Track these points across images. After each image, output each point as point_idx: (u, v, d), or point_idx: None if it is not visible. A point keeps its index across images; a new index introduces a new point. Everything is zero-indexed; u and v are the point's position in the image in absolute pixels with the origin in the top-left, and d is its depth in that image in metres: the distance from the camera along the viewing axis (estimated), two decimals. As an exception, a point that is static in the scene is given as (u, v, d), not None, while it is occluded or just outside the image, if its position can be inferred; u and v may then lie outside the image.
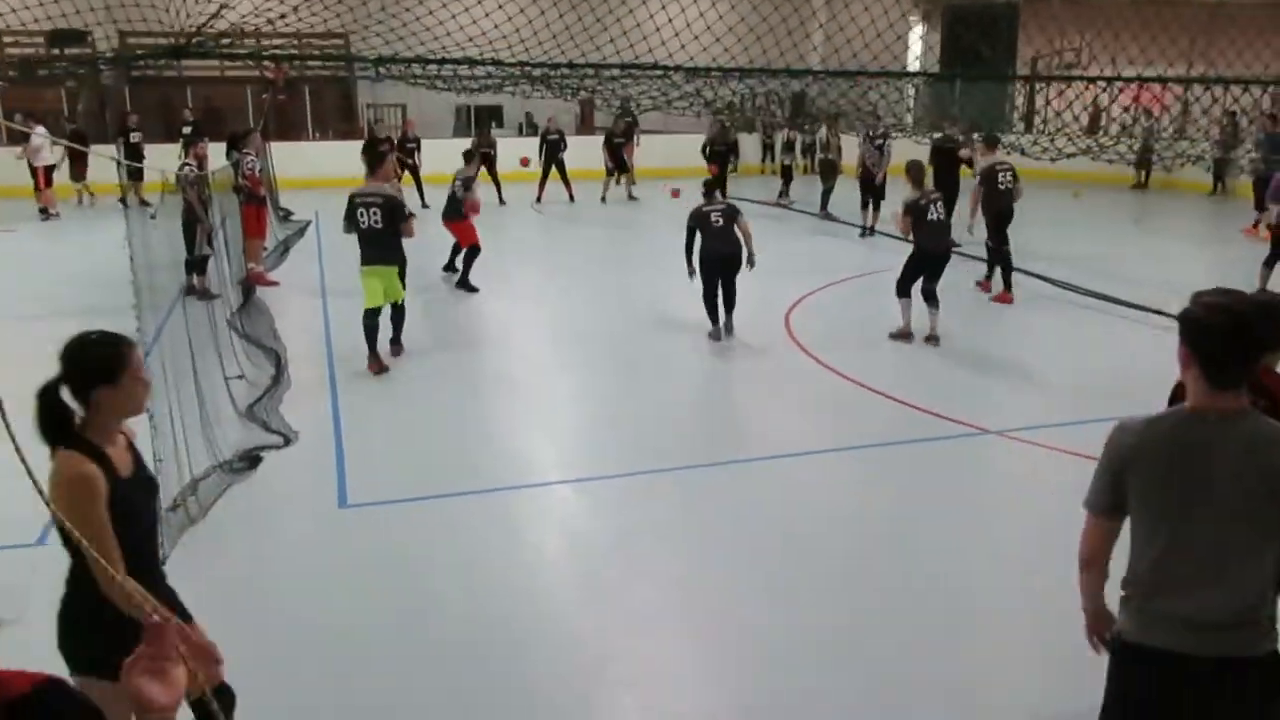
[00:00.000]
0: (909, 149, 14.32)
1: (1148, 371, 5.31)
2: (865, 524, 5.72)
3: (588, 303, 11.30)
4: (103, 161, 18.34)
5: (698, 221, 9.15)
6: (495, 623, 4.56)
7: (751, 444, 6.94)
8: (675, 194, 17.54)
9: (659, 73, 8.52)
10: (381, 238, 8.09)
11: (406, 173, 17.38)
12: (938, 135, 14.93)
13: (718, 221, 9.08)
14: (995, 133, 12.42)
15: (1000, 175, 11.16)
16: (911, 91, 27.88)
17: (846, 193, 17.25)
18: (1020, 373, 8.62)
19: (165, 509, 5.23)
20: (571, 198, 19.05)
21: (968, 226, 11.87)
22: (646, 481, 6.26)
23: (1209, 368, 2.45)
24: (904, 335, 9.29)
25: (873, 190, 15.35)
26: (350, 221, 8.15)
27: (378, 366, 8.31)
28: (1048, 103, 21.67)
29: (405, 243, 8.32)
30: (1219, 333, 2.43)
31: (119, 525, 2.64)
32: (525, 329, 10.38)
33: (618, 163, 19.53)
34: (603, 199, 19.32)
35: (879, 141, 15.14)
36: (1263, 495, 2.41)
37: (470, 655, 4.32)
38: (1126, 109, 23.12)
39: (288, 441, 6.74)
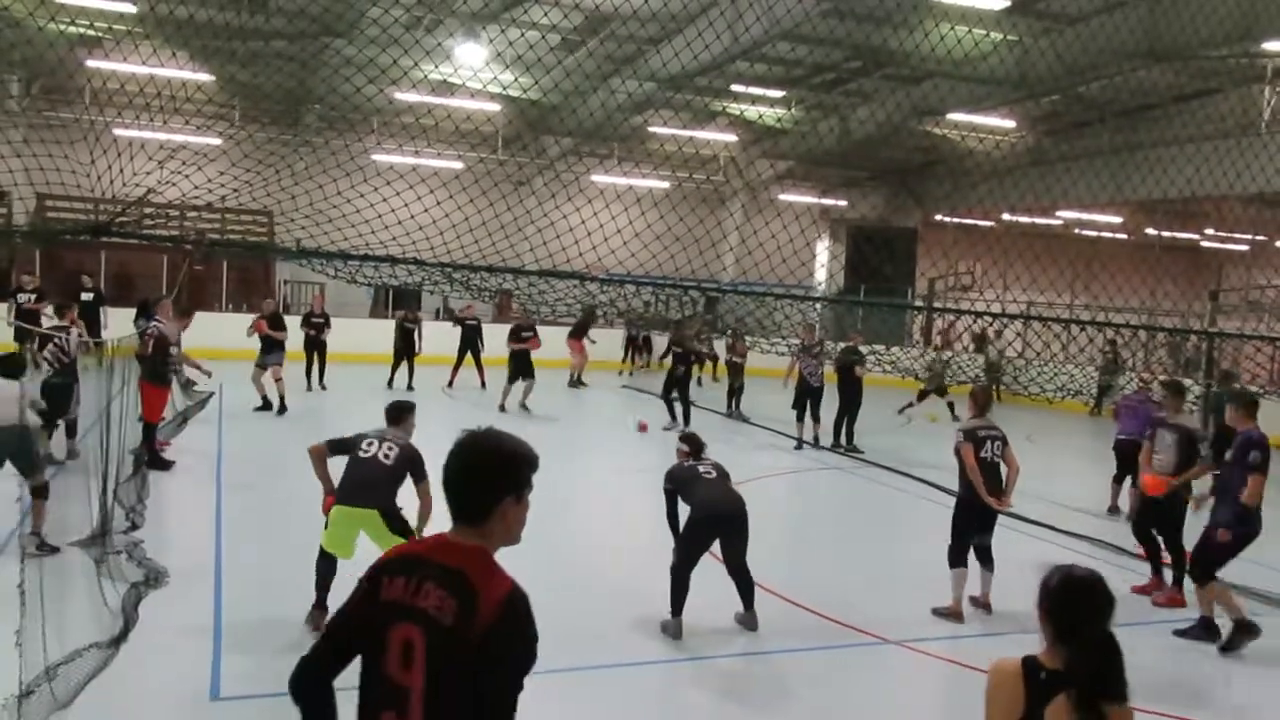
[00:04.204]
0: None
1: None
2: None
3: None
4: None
5: (680, 482, 7.06)
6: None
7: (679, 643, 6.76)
8: (643, 428, 15.84)
9: (575, 281, 8.76)
10: (380, 475, 6.51)
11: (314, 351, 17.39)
12: (841, 347, 15.60)
13: (710, 474, 7.05)
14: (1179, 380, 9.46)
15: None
16: (817, 308, 29.27)
17: (766, 396, 17.71)
18: (914, 579, 8.70)
19: (17, 695, 4.86)
20: (483, 384, 19.11)
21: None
22: (557, 679, 6.01)
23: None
24: (954, 614, 7.47)
25: (811, 398, 14.74)
26: (341, 446, 6.68)
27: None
28: (946, 322, 22.80)
29: None
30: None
31: None
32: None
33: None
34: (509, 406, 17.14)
35: (815, 350, 14.94)
36: None
37: None
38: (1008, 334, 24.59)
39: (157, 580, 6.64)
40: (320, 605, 6.46)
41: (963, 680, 6.18)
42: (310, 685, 2.54)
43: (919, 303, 27.07)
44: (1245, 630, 7.10)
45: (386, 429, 6.84)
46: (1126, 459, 10.96)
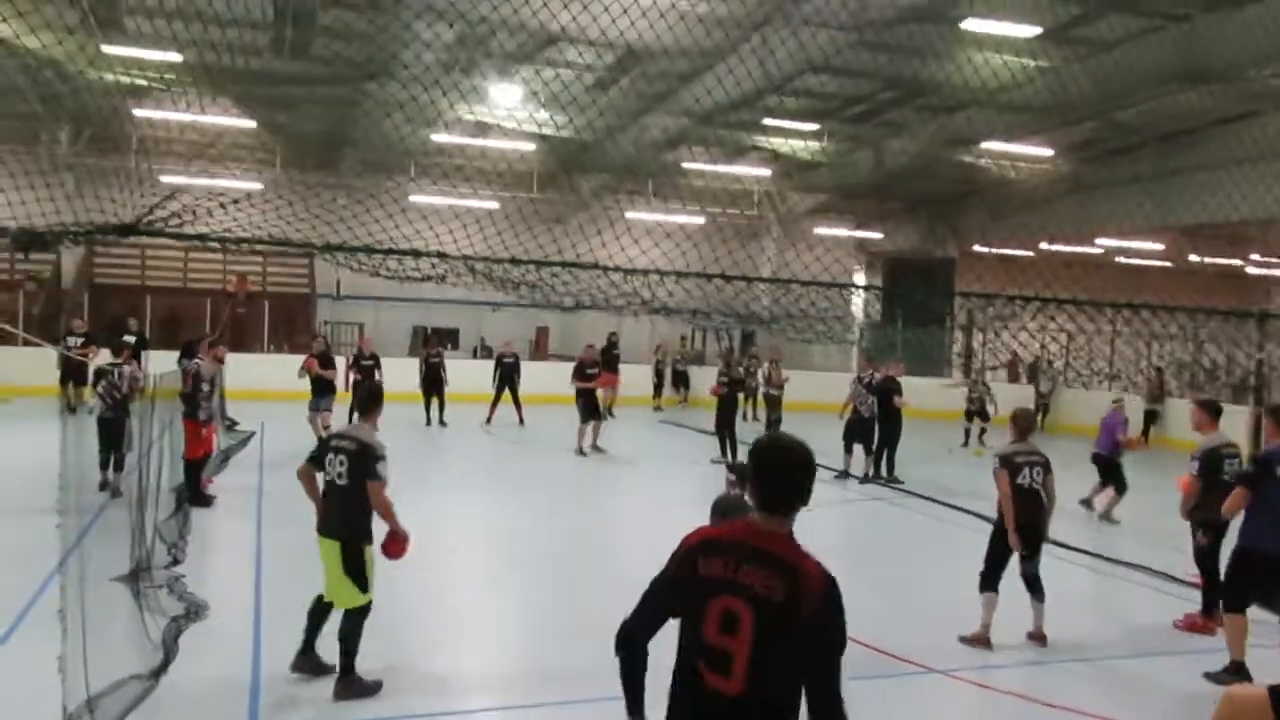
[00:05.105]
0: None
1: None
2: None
3: (530, 523, 11.14)
4: (48, 365, 18.40)
5: (729, 511, 6.69)
6: None
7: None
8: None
9: (598, 271, 8.74)
10: (341, 497, 5.98)
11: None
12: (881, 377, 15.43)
13: None
14: (1213, 399, 9.00)
15: (1227, 462, 7.90)
16: (856, 334, 29.12)
17: (805, 429, 17.59)
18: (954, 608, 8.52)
19: (59, 726, 4.88)
20: (521, 420, 19.15)
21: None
22: (585, 712, 5.96)
23: None
24: (981, 641, 7.30)
25: (863, 432, 14.75)
26: (316, 463, 6.16)
27: (307, 666, 6.15)
28: (984, 344, 22.56)
29: None
30: None
31: None
32: (459, 545, 10.17)
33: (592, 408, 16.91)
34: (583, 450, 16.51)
35: (866, 380, 14.93)
36: None
37: None
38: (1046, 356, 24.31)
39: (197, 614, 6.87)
40: (305, 651, 6.12)
41: (1002, 707, 6.02)
42: (630, 643, 3.06)
43: (959, 332, 26.84)
44: (1236, 672, 6.68)
45: (350, 425, 6.51)
46: (1102, 470, 12.76)
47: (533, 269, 8.32)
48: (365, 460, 5.91)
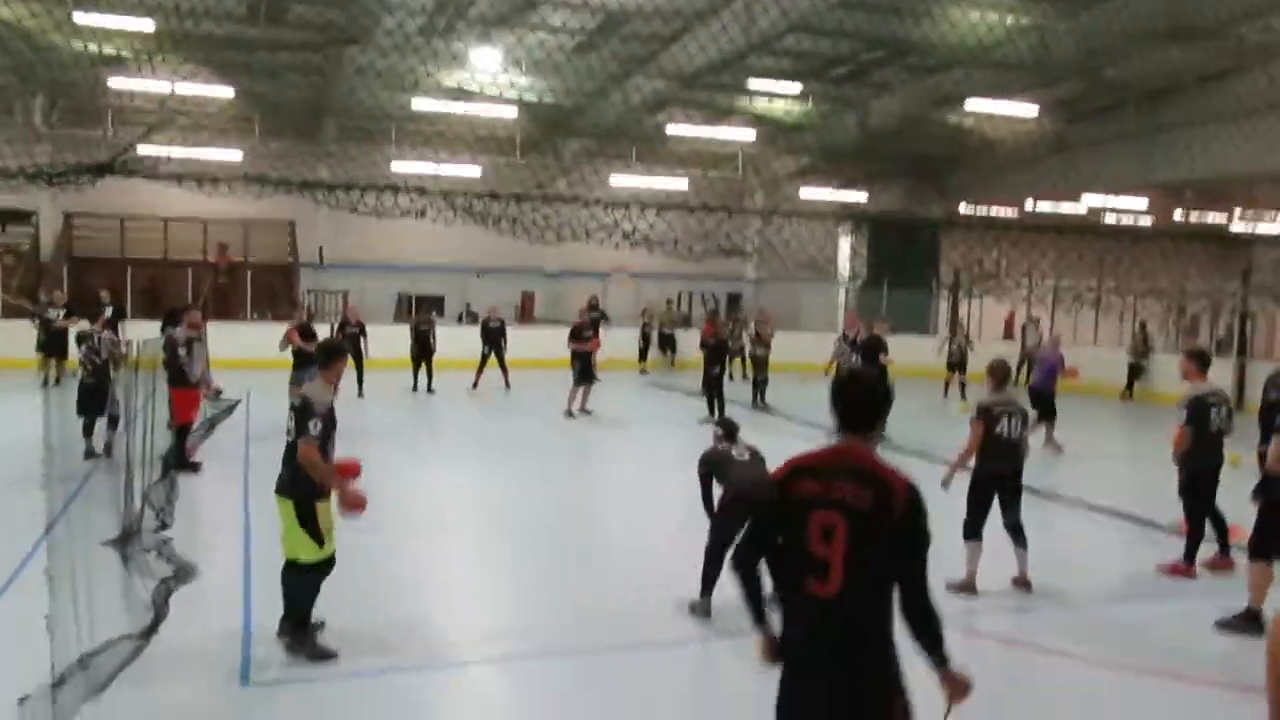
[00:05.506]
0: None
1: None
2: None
3: (519, 489, 11.16)
4: (25, 338, 18.32)
5: (715, 465, 7.04)
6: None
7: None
8: None
9: (579, 203, 8.68)
10: (289, 454, 5.88)
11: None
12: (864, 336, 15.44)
13: (743, 456, 7.01)
14: (1204, 349, 9.06)
15: (1214, 410, 7.96)
16: (842, 295, 29.10)
17: (791, 388, 17.66)
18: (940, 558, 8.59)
19: (51, 684, 4.88)
20: (508, 385, 19.13)
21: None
22: (579, 664, 5.99)
23: None
24: (967, 588, 7.33)
25: None
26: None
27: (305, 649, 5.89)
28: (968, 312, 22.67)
29: None
30: None
31: None
32: (448, 505, 10.22)
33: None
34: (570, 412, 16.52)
35: (851, 338, 14.91)
36: None
37: None
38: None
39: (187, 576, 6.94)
40: (296, 630, 5.88)
41: (988, 652, 6.08)
42: (744, 566, 3.38)
43: (945, 295, 26.89)
44: (1252, 620, 6.70)
45: (305, 385, 6.21)
46: (1042, 405, 13.65)
47: (513, 203, 8.26)
48: (301, 417, 5.77)
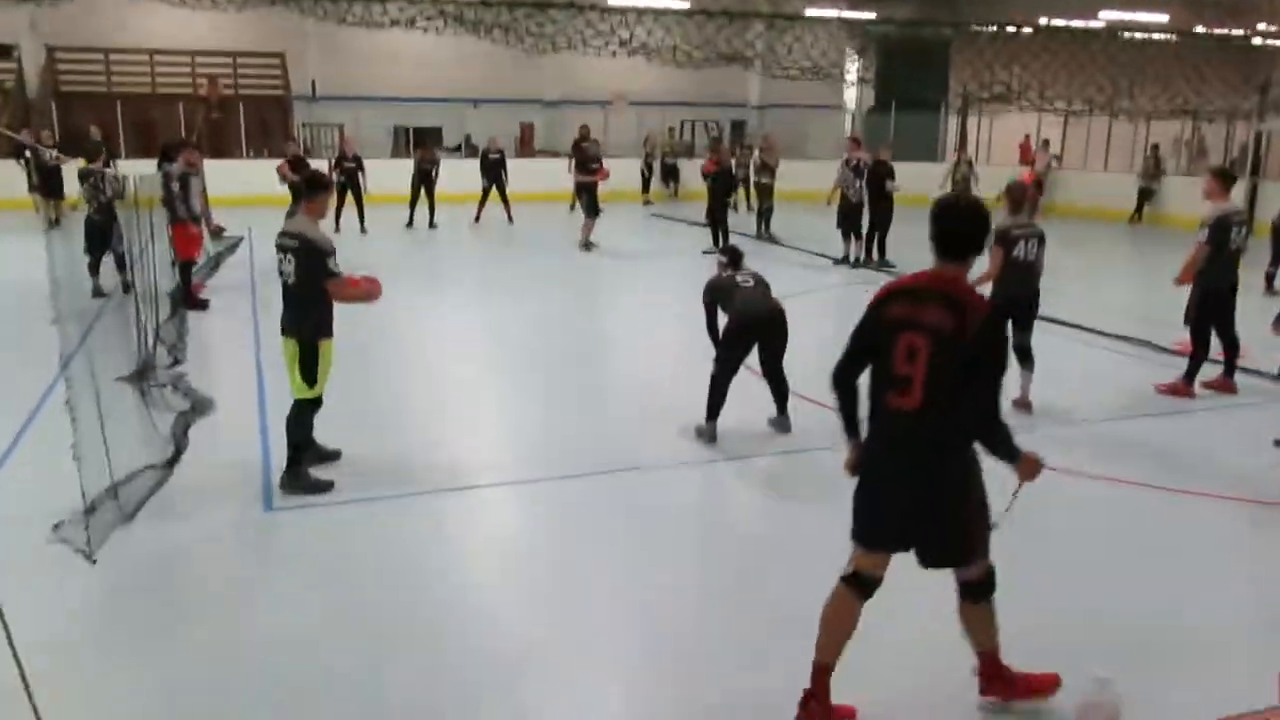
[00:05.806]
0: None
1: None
2: (821, 526, 5.68)
3: (528, 320, 11.24)
4: (16, 178, 18.05)
5: (720, 293, 7.03)
6: (427, 632, 4.44)
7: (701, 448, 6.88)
8: None
9: (573, 9, 8.36)
10: (290, 296, 5.81)
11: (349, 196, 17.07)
12: (872, 162, 15.14)
13: (748, 282, 7.03)
14: (1228, 169, 8.93)
15: (1234, 230, 7.93)
16: (849, 121, 28.38)
17: (798, 217, 17.52)
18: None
19: (84, 510, 5.06)
20: (510, 219, 18.96)
21: None
22: (592, 483, 6.19)
23: None
24: None
25: (855, 219, 14.75)
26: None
27: (314, 457, 6.12)
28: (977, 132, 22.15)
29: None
30: None
31: None
32: (458, 338, 10.35)
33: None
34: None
35: (854, 164, 14.67)
36: None
37: (403, 664, 4.20)
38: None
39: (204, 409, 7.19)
40: (294, 468, 5.92)
41: (990, 471, 6.22)
42: (843, 381, 3.64)
43: (954, 117, 26.23)
44: None
45: (291, 220, 6.03)
46: None
47: (506, 10, 7.94)
48: (313, 259, 5.62)
